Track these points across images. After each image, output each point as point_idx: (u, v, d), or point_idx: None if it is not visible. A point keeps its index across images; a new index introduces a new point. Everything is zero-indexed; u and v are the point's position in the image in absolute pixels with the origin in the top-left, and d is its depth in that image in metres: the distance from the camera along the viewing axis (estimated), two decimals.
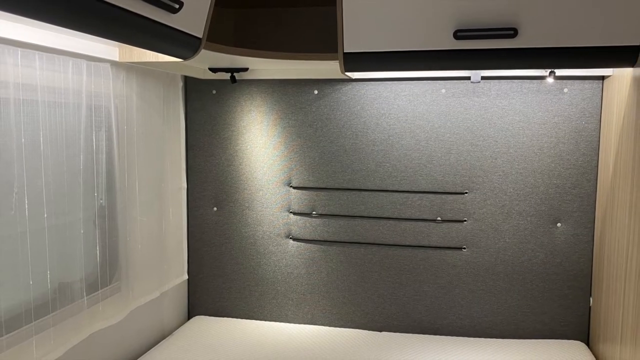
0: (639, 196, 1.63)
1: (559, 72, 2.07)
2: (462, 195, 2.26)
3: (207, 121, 2.45)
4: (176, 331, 2.33)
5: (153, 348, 2.16)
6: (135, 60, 1.81)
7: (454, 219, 2.27)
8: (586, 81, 2.12)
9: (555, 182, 2.18)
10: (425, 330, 2.32)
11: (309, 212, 2.39)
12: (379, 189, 2.32)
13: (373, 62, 1.77)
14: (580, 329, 2.21)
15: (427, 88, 2.25)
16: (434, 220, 2.29)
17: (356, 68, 1.83)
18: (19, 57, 1.44)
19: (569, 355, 2.03)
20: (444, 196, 2.27)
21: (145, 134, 2.10)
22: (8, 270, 1.46)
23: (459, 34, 1.62)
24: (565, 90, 2.14)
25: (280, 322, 2.45)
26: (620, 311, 1.78)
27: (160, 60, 1.76)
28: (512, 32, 1.59)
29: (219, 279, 2.51)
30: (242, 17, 2.41)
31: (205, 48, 1.67)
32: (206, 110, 2.45)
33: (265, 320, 2.48)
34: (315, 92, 2.35)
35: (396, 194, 2.31)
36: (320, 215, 2.39)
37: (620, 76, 1.88)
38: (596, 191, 2.15)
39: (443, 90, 2.24)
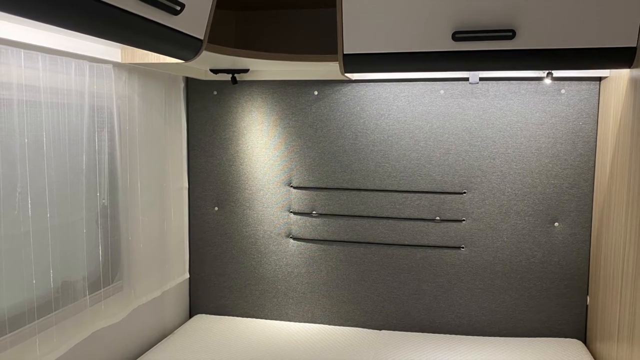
0: (635, 196, 1.63)
1: (557, 73, 2.07)
2: (461, 195, 2.26)
3: (208, 122, 2.45)
4: (178, 330, 2.33)
5: (155, 346, 2.16)
6: (137, 61, 1.81)
7: (452, 218, 2.27)
8: (583, 82, 2.13)
9: (552, 182, 2.18)
10: (424, 328, 2.32)
11: (309, 212, 2.40)
12: (379, 188, 2.32)
13: (372, 63, 1.77)
14: (578, 327, 2.21)
15: (426, 89, 2.25)
16: (433, 220, 2.29)
17: (356, 69, 1.83)
18: (23, 58, 1.44)
19: (566, 353, 2.04)
20: (442, 196, 2.27)
21: (147, 134, 2.10)
22: (11, 269, 1.46)
23: (457, 36, 1.62)
24: (563, 91, 2.14)
25: (281, 321, 2.45)
26: (617, 310, 1.78)
27: (162, 61, 1.77)
28: (510, 34, 1.59)
29: (220, 277, 2.51)
30: (243, 19, 2.41)
31: (207, 49, 1.67)
32: (207, 111, 2.45)
33: (265, 318, 2.48)
34: (315, 93, 2.35)
35: (395, 193, 2.31)
36: (320, 215, 2.39)
37: (617, 77, 1.88)
38: (593, 191, 2.15)
39: (442, 91, 2.24)
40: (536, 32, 1.60)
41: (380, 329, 2.36)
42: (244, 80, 2.39)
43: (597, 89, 2.12)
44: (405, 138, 2.28)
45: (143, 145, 2.07)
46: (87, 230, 1.75)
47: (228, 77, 2.31)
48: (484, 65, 1.74)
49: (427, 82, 2.25)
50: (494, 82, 2.19)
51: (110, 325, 1.89)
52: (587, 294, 2.19)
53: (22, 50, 1.43)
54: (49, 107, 1.56)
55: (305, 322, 2.44)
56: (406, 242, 2.32)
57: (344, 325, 2.40)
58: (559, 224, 2.19)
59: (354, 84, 2.31)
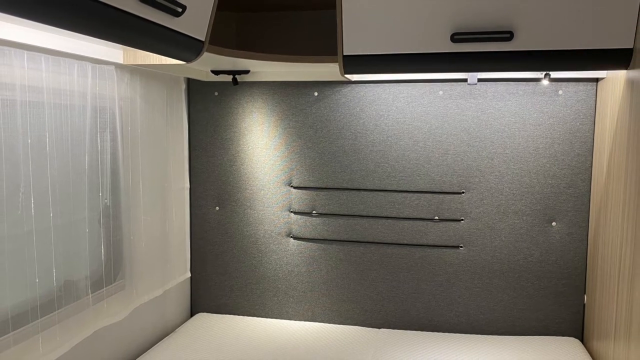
0: (632, 195, 1.63)
1: (554, 74, 2.07)
2: (459, 195, 2.26)
3: (209, 122, 2.45)
4: (179, 328, 2.33)
5: (156, 345, 2.16)
6: (139, 62, 1.81)
7: (451, 218, 2.27)
8: (580, 83, 2.13)
9: (550, 182, 2.18)
10: (423, 327, 2.32)
11: (309, 212, 2.40)
12: (378, 188, 2.32)
13: (372, 64, 1.77)
14: (575, 325, 2.21)
15: (425, 90, 2.25)
16: (432, 220, 2.29)
17: (355, 70, 1.83)
18: (26, 59, 1.44)
19: (564, 352, 2.04)
20: (441, 196, 2.27)
21: (148, 135, 2.10)
22: (15, 268, 1.46)
23: (456, 37, 1.62)
24: (560, 92, 2.14)
25: (281, 319, 2.45)
26: (614, 308, 1.78)
27: (163, 62, 1.77)
28: (508, 35, 1.59)
29: (221, 276, 2.51)
30: (243, 21, 2.41)
31: (208, 51, 1.67)
32: (208, 112, 2.45)
33: (266, 317, 2.48)
34: (316, 94, 2.35)
35: (395, 193, 2.31)
36: (320, 215, 2.39)
37: (614, 78, 1.88)
38: (590, 191, 2.15)
39: (440, 92, 2.24)
40: (534, 34, 1.60)
41: (379, 328, 2.36)
42: (245, 81, 2.39)
43: (594, 90, 2.12)
44: (405, 138, 2.28)
45: (145, 145, 2.07)
46: (89, 229, 1.75)
47: (229, 78, 2.31)
48: (482, 67, 1.74)
49: (426, 83, 2.25)
50: (492, 83, 2.19)
51: (112, 323, 1.89)
52: (585, 293, 2.19)
53: (25, 51, 1.43)
54: (51, 108, 1.56)
55: (305, 320, 2.44)
56: (405, 242, 2.32)
57: (343, 324, 2.40)
58: (557, 224, 2.19)
59: (353, 85, 2.31)
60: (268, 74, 2.34)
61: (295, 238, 2.42)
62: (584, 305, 2.19)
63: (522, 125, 2.18)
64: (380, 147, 2.30)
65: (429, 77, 2.22)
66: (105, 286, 1.87)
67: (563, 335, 2.21)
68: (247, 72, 2.26)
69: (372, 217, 2.34)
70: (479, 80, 2.19)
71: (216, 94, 2.44)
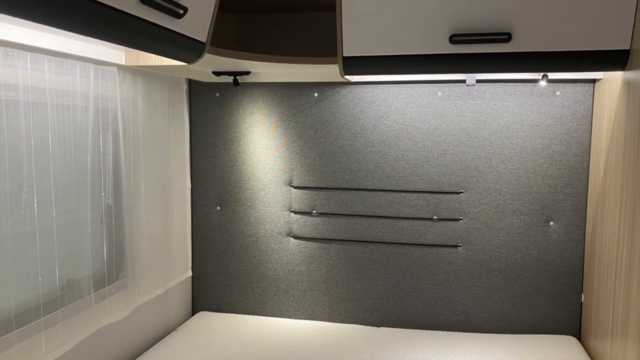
0: (629, 195, 1.63)
1: (552, 75, 2.07)
2: (458, 195, 2.26)
3: (210, 123, 2.45)
4: (180, 326, 2.33)
5: (158, 343, 2.16)
6: (141, 64, 1.81)
7: (449, 217, 2.27)
8: (578, 84, 2.13)
9: (547, 182, 2.18)
10: (422, 325, 2.32)
11: (309, 211, 2.40)
12: (377, 188, 2.32)
13: (371, 65, 1.77)
14: (572, 324, 2.21)
15: (424, 91, 2.25)
16: (431, 219, 2.29)
17: (355, 71, 1.83)
18: (29, 61, 1.44)
19: (561, 350, 2.04)
20: (440, 196, 2.27)
21: (150, 135, 2.10)
22: (18, 267, 1.46)
23: (454, 39, 1.62)
24: (558, 93, 2.14)
25: (281, 318, 2.45)
26: (611, 307, 1.78)
27: (165, 64, 1.77)
28: (506, 37, 1.59)
29: (222, 275, 2.51)
30: (244, 22, 2.41)
31: (209, 52, 1.67)
32: (210, 113, 2.45)
33: (266, 315, 2.48)
34: (316, 94, 2.35)
35: (394, 193, 2.31)
36: (320, 214, 2.39)
37: (611, 79, 1.88)
38: (587, 191, 2.15)
39: (439, 93, 2.24)
40: (532, 35, 1.60)
41: (378, 326, 2.36)
42: (246, 82, 2.39)
43: (592, 91, 2.12)
44: (404, 139, 2.28)
45: (147, 146, 2.07)
46: (92, 229, 1.75)
47: (230, 79, 2.31)
48: (481, 68, 1.74)
49: (424, 84, 2.25)
50: (491, 84, 2.19)
51: (114, 322, 1.89)
52: (582, 292, 2.19)
53: (28, 52, 1.43)
54: (54, 109, 1.56)
55: (305, 319, 2.44)
56: (404, 241, 2.32)
57: (343, 322, 2.40)
58: (554, 223, 2.19)
59: (353, 86, 2.31)
60: (269, 75, 2.34)
61: (295, 237, 2.42)
62: (582, 303, 2.19)
63: (520, 125, 2.18)
64: (380, 147, 2.30)
65: (428, 78, 2.22)
66: (108, 285, 1.87)
67: (560, 334, 2.21)
68: (247, 73, 2.26)
69: (372, 216, 2.34)
70: (478, 81, 2.19)
71: (217, 94, 2.44)
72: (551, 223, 2.19)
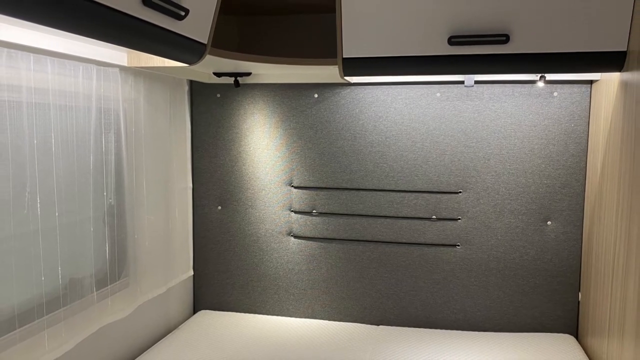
0: (625, 195, 1.64)
1: (549, 76, 2.07)
2: (456, 195, 2.26)
3: (211, 124, 2.45)
4: (182, 325, 2.33)
5: (160, 341, 2.16)
6: (143, 65, 1.81)
7: (448, 217, 2.27)
8: (575, 85, 2.13)
9: (545, 182, 2.18)
10: (421, 324, 2.32)
11: (309, 211, 2.40)
12: (377, 188, 2.32)
13: (371, 67, 1.78)
14: (569, 322, 2.21)
15: (423, 92, 2.25)
16: (429, 219, 2.29)
17: (355, 73, 1.83)
18: (32, 62, 1.44)
19: (559, 348, 2.04)
20: (438, 195, 2.27)
21: (152, 135, 2.10)
22: (21, 266, 1.46)
23: (453, 40, 1.62)
24: (555, 94, 2.14)
25: (282, 316, 2.45)
26: (608, 306, 1.79)
27: (166, 65, 1.77)
28: (504, 38, 1.59)
29: (223, 274, 2.51)
30: (245, 24, 2.41)
31: (210, 53, 1.67)
32: (211, 113, 2.45)
33: (267, 314, 2.48)
34: (316, 95, 2.35)
35: (393, 193, 2.31)
36: (320, 214, 2.39)
37: (608, 80, 1.88)
38: (585, 190, 2.15)
39: (438, 94, 2.24)
40: (529, 37, 1.60)
41: (377, 324, 2.36)
42: (247, 83, 2.39)
43: (589, 92, 2.12)
44: (403, 139, 2.28)
45: (148, 146, 2.07)
46: (94, 228, 1.76)
47: (231, 80, 2.31)
48: (479, 69, 1.74)
49: (423, 85, 2.25)
50: (489, 85, 2.19)
51: (116, 320, 1.89)
52: (579, 291, 2.19)
53: (31, 54, 1.43)
54: (57, 110, 1.56)
55: (305, 317, 2.44)
56: (403, 240, 2.32)
57: (342, 321, 2.40)
58: (552, 223, 2.19)
59: (353, 87, 2.31)
60: (269, 76, 2.34)
61: (295, 237, 2.42)
62: (579, 302, 2.20)
63: (517, 126, 2.18)
64: (379, 147, 2.30)
65: (427, 80, 2.22)
66: (110, 284, 1.87)
67: (558, 332, 2.21)
68: (248, 74, 2.26)
69: (371, 216, 2.34)
70: (476, 82, 2.19)
71: (218, 95, 2.44)
72: (549, 222, 2.19)
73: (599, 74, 1.99)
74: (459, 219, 2.26)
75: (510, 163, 2.20)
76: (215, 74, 2.29)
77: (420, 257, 2.31)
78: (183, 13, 1.36)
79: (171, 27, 1.37)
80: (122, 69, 1.85)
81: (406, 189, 2.29)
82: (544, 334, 2.19)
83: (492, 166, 2.21)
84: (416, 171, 2.28)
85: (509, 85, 2.18)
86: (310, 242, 2.41)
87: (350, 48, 1.73)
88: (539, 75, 2.05)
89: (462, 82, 2.20)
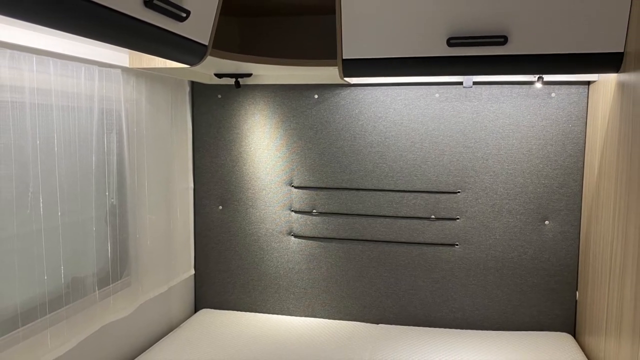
0: (622, 195, 1.63)
1: (547, 77, 2.07)
2: (455, 195, 2.26)
3: (212, 124, 2.45)
4: (183, 324, 2.33)
5: (161, 340, 2.16)
6: (145, 66, 1.81)
7: (447, 217, 2.27)
8: (573, 86, 2.13)
9: (543, 182, 2.18)
10: (420, 322, 2.32)
11: (309, 211, 2.39)
12: (376, 188, 2.32)
13: (370, 68, 1.77)
14: (567, 321, 2.21)
15: (422, 93, 2.25)
16: (428, 218, 2.29)
17: (354, 74, 1.83)
18: (34, 63, 1.44)
19: (556, 346, 2.03)
20: (437, 195, 2.27)
21: (154, 136, 2.10)
22: (24, 265, 1.46)
23: (451, 41, 1.62)
24: (553, 94, 2.14)
25: (282, 315, 2.45)
26: (605, 304, 1.78)
27: (168, 66, 1.77)
28: (502, 40, 1.59)
29: (224, 274, 2.51)
30: (246, 25, 2.41)
31: (211, 55, 1.67)
32: (212, 114, 2.45)
33: (267, 313, 2.48)
34: (316, 96, 2.35)
35: (392, 193, 2.31)
36: (320, 214, 2.39)
37: (605, 81, 1.88)
38: (582, 190, 2.15)
39: (437, 95, 2.24)
40: (527, 38, 1.60)
41: (377, 323, 2.36)
42: (247, 84, 2.39)
43: (586, 93, 2.12)
44: (402, 140, 2.28)
45: (150, 146, 2.07)
46: (96, 228, 1.75)
47: (232, 81, 2.31)
48: (478, 70, 1.74)
49: (422, 86, 2.25)
50: (487, 86, 2.19)
51: (118, 319, 1.89)
52: (577, 290, 2.19)
53: (34, 55, 1.43)
54: (59, 110, 1.56)
55: (305, 316, 2.44)
56: (403, 240, 2.32)
57: (342, 320, 2.40)
58: (549, 222, 2.19)
59: (352, 88, 2.31)
60: (270, 77, 2.34)
61: (296, 236, 2.42)
62: (576, 301, 2.19)
63: (516, 126, 2.18)
64: (379, 148, 2.30)
65: (426, 80, 2.22)
66: (112, 283, 1.87)
67: (556, 331, 2.21)
68: (249, 75, 2.26)
69: (371, 216, 2.34)
70: (474, 83, 2.19)
71: (219, 96, 2.44)
72: (546, 222, 2.19)
73: (597, 75, 1.99)
74: (458, 218, 2.26)
75: (509, 163, 2.20)
76: (216, 75, 2.29)
77: (419, 256, 2.31)
78: (184, 14, 1.36)
79: (172, 29, 1.37)
80: (124, 70, 1.85)
81: (405, 189, 2.29)
82: (542, 332, 2.19)
83: (491, 166, 2.21)
84: (415, 171, 2.28)
85: (507, 86, 2.18)
86: (311, 241, 2.41)
87: (350, 49, 1.73)
88: (537, 76, 2.04)
89: (460, 83, 2.20)
